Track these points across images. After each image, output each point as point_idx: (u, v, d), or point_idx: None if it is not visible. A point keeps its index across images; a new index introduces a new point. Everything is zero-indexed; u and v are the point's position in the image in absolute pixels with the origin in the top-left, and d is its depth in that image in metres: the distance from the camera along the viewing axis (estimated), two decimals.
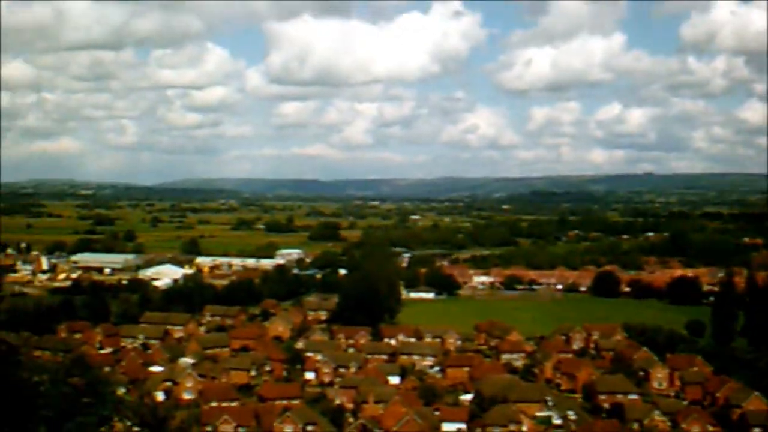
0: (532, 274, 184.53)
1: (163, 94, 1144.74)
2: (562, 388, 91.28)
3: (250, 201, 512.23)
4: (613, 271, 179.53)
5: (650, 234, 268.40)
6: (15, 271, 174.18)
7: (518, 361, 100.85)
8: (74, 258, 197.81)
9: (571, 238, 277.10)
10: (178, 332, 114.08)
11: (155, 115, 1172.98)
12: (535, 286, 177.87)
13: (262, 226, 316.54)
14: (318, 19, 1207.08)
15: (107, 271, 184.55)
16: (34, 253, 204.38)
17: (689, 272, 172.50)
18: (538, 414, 78.21)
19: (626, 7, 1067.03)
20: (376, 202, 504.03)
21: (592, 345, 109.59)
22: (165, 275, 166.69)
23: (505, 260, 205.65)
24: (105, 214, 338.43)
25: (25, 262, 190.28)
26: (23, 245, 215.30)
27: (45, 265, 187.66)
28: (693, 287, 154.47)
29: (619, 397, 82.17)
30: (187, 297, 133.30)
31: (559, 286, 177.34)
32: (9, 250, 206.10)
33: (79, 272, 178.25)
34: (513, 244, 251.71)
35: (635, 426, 74.82)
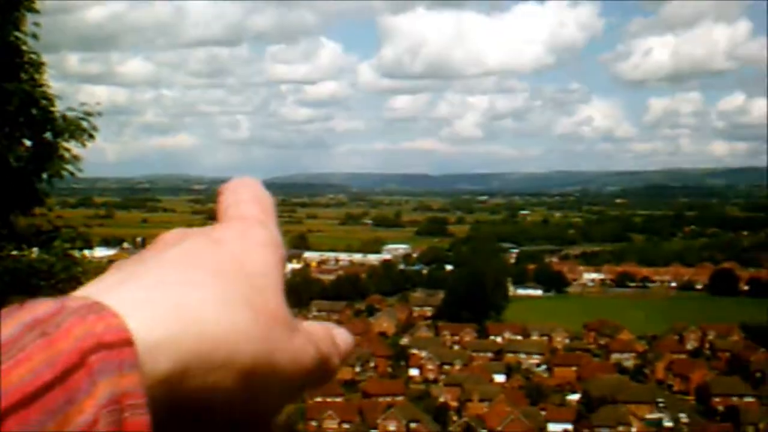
0: (645, 271, 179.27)
1: (276, 89, 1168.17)
2: (675, 389, 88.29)
3: (359, 195, 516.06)
4: (732, 268, 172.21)
5: None
6: None
7: (629, 361, 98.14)
8: None
9: (687, 234, 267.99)
10: None
11: (268, 110, 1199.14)
12: (648, 284, 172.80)
13: (369, 221, 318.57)
14: (432, 11, 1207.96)
15: None
16: None
17: None
18: (649, 416, 75.84)
19: None
20: (484, 197, 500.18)
21: (707, 345, 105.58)
22: None
23: (617, 257, 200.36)
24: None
25: None
26: (138, 240, 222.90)
27: None
28: None
29: (735, 399, 78.88)
30: (295, 292, 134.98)
31: (674, 284, 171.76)
32: (125, 245, 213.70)
33: None
34: (626, 240, 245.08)
35: (750, 429, 71.60)
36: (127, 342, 0.54)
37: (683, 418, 75.37)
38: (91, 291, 0.57)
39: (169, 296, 0.58)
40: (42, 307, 0.54)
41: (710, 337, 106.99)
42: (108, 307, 0.55)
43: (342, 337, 0.69)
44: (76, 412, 0.52)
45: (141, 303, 0.57)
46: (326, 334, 0.67)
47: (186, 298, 0.58)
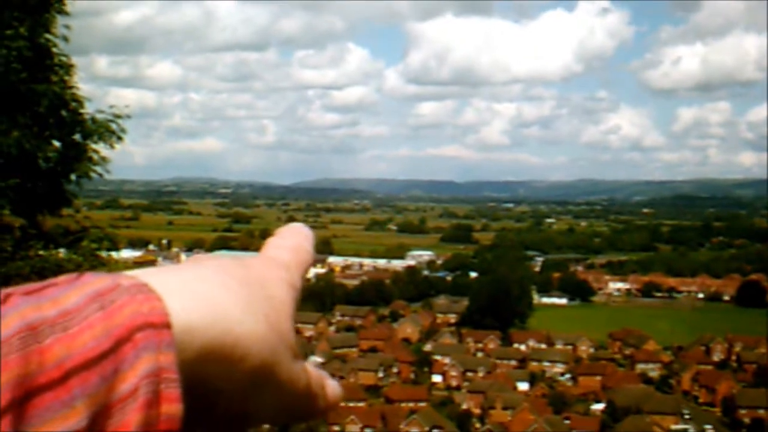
0: (671, 281, 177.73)
1: (303, 94, 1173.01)
2: (700, 401, 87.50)
3: (384, 201, 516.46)
4: (760, 280, 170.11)
5: None
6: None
7: (654, 371, 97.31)
8: None
9: (715, 245, 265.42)
10: (308, 331, 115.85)
11: (295, 115, 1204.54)
12: (674, 295, 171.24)
13: (394, 227, 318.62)
14: (459, 18, 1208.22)
15: None
16: (175, 250, 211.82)
17: None
18: (674, 427, 75.13)
19: None
20: (510, 204, 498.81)
21: (734, 357, 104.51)
22: None
23: (643, 266, 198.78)
24: (242, 212, 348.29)
25: (165, 258, 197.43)
26: (164, 242, 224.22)
27: None
28: None
29: (761, 412, 77.91)
30: (319, 296, 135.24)
31: (701, 295, 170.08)
32: (150, 247, 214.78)
33: None
34: (652, 250, 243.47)
35: None
36: (167, 325, 0.63)
37: (709, 429, 74.57)
38: (139, 273, 0.67)
39: (204, 290, 0.67)
40: (101, 281, 0.63)
41: (737, 348, 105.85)
42: (154, 290, 0.64)
43: (332, 387, 0.78)
44: (121, 380, 0.60)
45: (181, 291, 0.66)
46: (319, 378, 0.76)
47: (218, 296, 0.68)
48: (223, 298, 0.68)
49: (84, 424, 0.58)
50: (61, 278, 0.63)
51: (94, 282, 0.63)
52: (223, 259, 0.75)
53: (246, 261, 0.76)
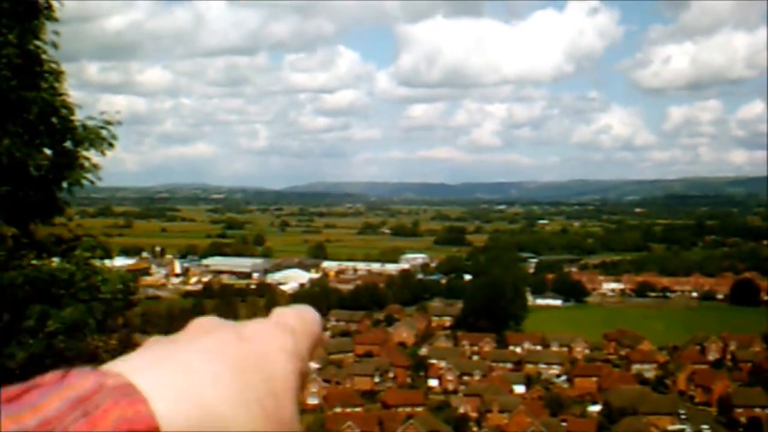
0: (665, 281, 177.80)
1: (294, 98, 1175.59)
2: (696, 400, 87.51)
3: (376, 205, 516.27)
4: (753, 278, 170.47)
5: None
6: (149, 275, 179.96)
7: (649, 371, 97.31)
8: (206, 262, 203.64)
9: (707, 244, 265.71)
10: None
11: (286, 119, 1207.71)
12: (668, 294, 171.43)
13: (387, 231, 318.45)
14: (449, 20, 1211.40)
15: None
16: (168, 256, 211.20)
17: None
18: (671, 427, 75.21)
19: None
20: (502, 206, 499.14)
21: (728, 356, 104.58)
22: (292, 279, 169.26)
23: (637, 266, 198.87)
24: (235, 218, 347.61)
25: (159, 265, 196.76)
26: (157, 249, 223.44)
27: (178, 269, 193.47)
28: None
29: (757, 410, 78.06)
30: (313, 301, 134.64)
31: (695, 294, 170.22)
32: (144, 254, 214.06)
33: (210, 276, 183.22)
34: (646, 250, 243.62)
35: None
36: (154, 430, 0.62)
37: (705, 429, 74.71)
38: (125, 368, 0.64)
39: (193, 386, 0.65)
40: (83, 383, 0.61)
41: (732, 347, 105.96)
42: (139, 391, 0.63)
43: None
44: None
45: (167, 389, 0.64)
46: None
47: (208, 391, 0.65)
48: (213, 393, 0.65)
49: None
50: (46, 378, 0.61)
51: (77, 384, 0.61)
52: (219, 332, 0.71)
53: (245, 330, 0.73)
